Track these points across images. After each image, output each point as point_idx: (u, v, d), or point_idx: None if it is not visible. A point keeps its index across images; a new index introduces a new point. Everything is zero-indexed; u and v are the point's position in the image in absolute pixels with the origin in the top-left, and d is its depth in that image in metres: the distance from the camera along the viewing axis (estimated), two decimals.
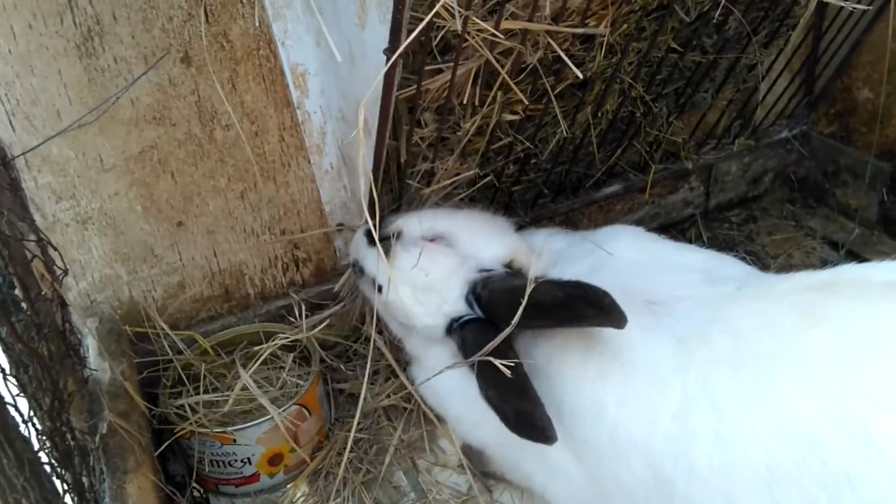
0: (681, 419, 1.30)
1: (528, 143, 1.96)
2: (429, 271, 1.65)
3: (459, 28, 1.49)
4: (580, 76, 1.60)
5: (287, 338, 1.98)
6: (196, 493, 1.95)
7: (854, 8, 1.69)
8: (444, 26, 1.59)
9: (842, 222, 2.69)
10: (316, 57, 1.88)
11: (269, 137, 1.96)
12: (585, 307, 1.33)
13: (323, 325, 2.07)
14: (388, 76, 1.58)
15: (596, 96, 2.02)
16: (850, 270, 1.40)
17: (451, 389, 1.71)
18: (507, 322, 1.43)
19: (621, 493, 1.41)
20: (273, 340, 1.99)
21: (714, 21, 1.99)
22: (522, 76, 1.82)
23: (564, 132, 1.90)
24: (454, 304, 1.63)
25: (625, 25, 1.80)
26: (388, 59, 1.51)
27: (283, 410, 1.85)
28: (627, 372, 1.38)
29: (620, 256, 1.63)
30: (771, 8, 2.08)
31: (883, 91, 2.43)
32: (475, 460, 1.90)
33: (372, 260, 1.77)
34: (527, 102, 1.80)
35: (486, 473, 1.91)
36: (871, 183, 2.58)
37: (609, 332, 1.37)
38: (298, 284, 2.20)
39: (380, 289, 1.74)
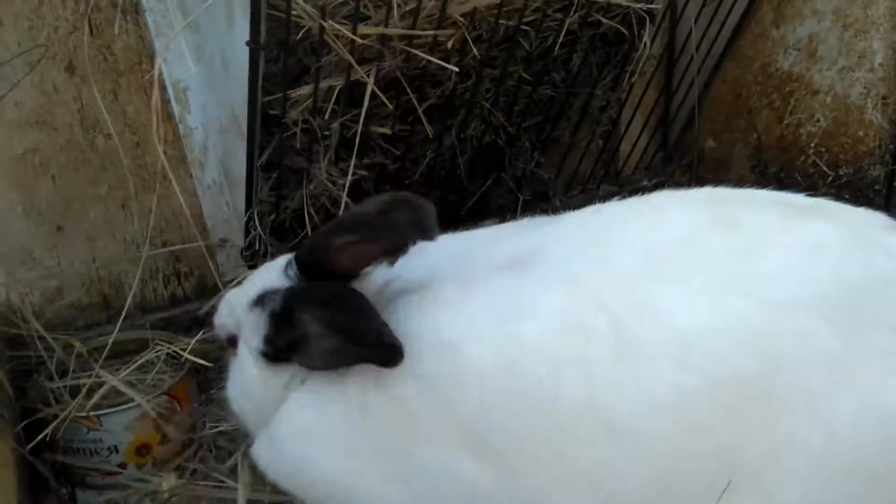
0: (625, 355, 1.20)
1: (396, 152, 2.13)
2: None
3: (316, 28, 1.69)
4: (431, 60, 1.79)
5: (164, 349, 2.03)
6: (64, 491, 1.94)
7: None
8: (304, 26, 1.77)
9: None
10: (198, 73, 2.04)
11: (151, 149, 2.09)
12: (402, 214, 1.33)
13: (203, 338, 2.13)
14: (253, 68, 1.76)
15: (459, 123, 2.23)
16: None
17: (320, 438, 1.43)
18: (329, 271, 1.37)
19: (564, 482, 1.25)
20: (151, 347, 2.05)
21: (559, 58, 2.26)
22: (387, 93, 2.01)
23: (429, 133, 2.07)
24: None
25: (474, 51, 2.02)
26: (250, 51, 1.70)
27: (152, 398, 1.89)
28: (517, 321, 1.27)
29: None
30: (612, 53, 2.37)
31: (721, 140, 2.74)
32: None
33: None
34: (391, 106, 1.97)
35: None
36: None
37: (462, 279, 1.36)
38: (180, 298, 2.28)
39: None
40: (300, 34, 1.76)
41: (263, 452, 1.50)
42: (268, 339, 1.41)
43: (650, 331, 1.19)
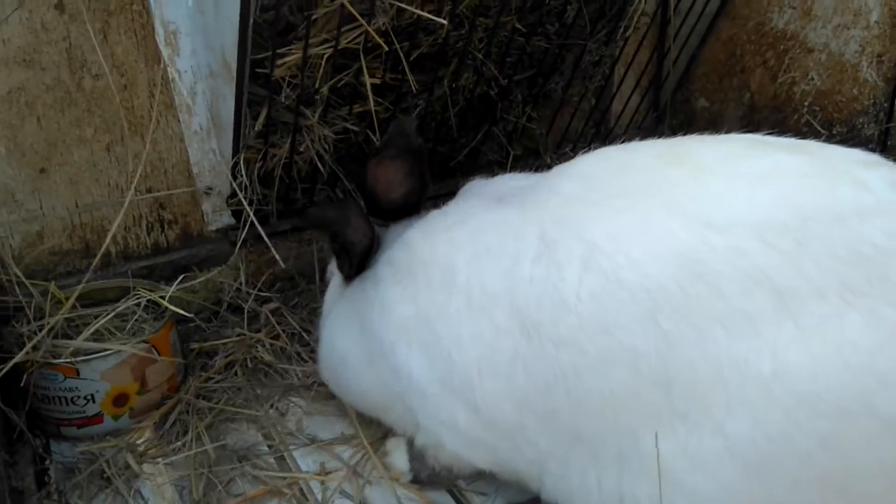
0: (542, 258, 1.31)
1: (385, 103, 2.10)
2: None
3: None
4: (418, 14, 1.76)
5: (145, 297, 1.98)
6: (38, 442, 1.89)
7: None
8: None
9: None
10: (188, 16, 1.99)
11: (139, 92, 2.05)
12: None
13: (186, 286, 2.10)
14: (244, 14, 1.72)
15: (451, 73, 2.20)
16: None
17: (349, 350, 1.69)
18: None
19: (486, 366, 1.38)
20: (131, 294, 2.01)
21: (553, 9, 2.23)
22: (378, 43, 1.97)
23: (413, 87, 2.04)
24: None
25: None
26: None
27: (131, 344, 1.86)
28: (474, 233, 1.44)
29: None
30: (607, 6, 2.34)
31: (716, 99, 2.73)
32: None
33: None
34: (385, 48, 1.93)
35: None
36: None
37: (458, 207, 1.58)
38: (163, 246, 2.24)
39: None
40: None
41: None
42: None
43: (566, 240, 1.28)
